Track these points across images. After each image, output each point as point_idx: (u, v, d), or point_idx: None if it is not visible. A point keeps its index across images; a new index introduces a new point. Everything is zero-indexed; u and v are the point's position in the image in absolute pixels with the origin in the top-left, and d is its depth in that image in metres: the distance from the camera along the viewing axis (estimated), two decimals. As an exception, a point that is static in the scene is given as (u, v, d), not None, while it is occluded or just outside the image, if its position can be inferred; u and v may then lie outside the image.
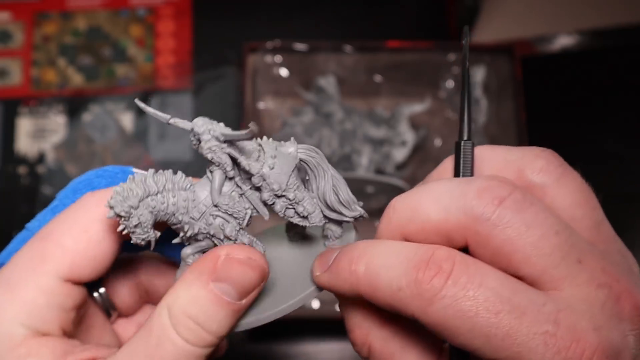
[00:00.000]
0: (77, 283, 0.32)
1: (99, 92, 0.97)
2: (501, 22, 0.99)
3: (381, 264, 0.29)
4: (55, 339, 0.31)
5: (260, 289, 0.33)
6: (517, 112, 0.88)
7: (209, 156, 0.31)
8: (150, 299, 0.40)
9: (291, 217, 0.34)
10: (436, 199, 0.29)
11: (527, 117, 0.87)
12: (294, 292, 0.35)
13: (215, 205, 0.32)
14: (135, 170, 0.35)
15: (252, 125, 0.30)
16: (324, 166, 0.34)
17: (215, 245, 0.33)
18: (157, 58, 1.00)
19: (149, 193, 0.31)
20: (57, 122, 0.95)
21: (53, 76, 0.99)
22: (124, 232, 0.30)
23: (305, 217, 0.34)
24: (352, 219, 0.35)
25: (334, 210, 0.35)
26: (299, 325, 0.88)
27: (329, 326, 0.87)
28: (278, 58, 0.90)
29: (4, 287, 0.31)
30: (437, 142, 0.91)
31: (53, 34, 1.01)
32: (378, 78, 0.92)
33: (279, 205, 0.33)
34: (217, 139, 0.31)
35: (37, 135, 0.95)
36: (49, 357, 0.30)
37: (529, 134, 0.86)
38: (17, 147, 0.94)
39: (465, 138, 0.32)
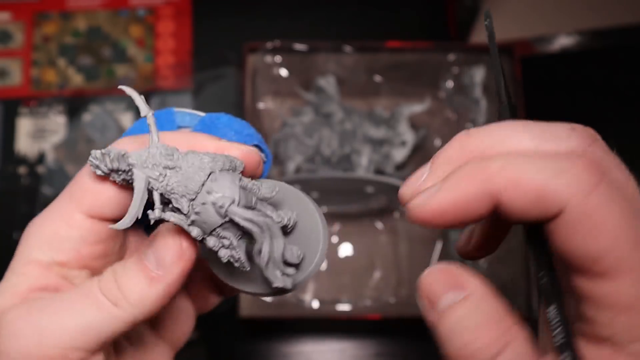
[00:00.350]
0: (101, 219, 0.32)
1: (99, 92, 0.97)
2: (501, 22, 0.99)
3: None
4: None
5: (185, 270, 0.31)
6: (516, 112, 0.88)
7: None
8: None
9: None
10: (533, 137, 0.28)
11: (526, 117, 0.87)
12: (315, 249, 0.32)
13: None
14: (176, 109, 0.36)
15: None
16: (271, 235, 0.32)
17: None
18: (157, 58, 1.00)
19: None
20: (57, 122, 0.95)
21: (53, 76, 0.99)
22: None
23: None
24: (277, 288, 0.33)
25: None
26: (298, 325, 0.88)
27: (328, 326, 0.87)
28: (278, 58, 0.90)
29: (35, 223, 0.32)
30: (437, 142, 0.91)
31: (53, 34, 1.01)
32: (378, 78, 0.92)
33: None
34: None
35: (37, 135, 0.95)
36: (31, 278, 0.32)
37: (528, 134, 0.86)
38: (17, 147, 0.94)
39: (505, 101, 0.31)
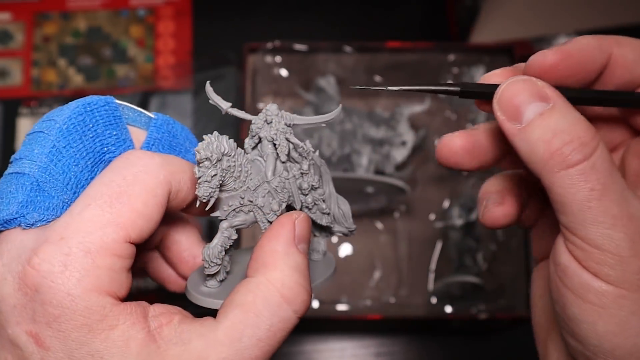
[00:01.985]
0: (134, 243, 0.32)
1: (100, 93, 0.97)
2: (501, 22, 0.99)
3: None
4: (131, 304, 0.31)
5: None
6: (516, 112, 0.88)
7: (275, 137, 0.35)
8: (161, 246, 0.42)
9: (314, 212, 0.38)
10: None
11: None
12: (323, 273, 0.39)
13: (267, 182, 0.35)
14: (119, 102, 0.36)
15: (337, 110, 0.35)
16: (331, 183, 0.38)
17: (255, 218, 0.36)
18: (157, 58, 1.00)
19: (228, 152, 0.33)
20: (57, 123, 0.95)
21: (53, 76, 0.99)
22: (199, 181, 0.32)
23: (324, 214, 0.38)
24: (348, 232, 0.39)
25: (337, 222, 0.38)
26: (298, 324, 0.88)
27: (328, 326, 0.87)
28: (278, 58, 0.90)
29: (83, 253, 0.30)
30: (437, 142, 0.91)
31: (53, 35, 1.01)
32: (378, 78, 0.92)
33: (311, 197, 0.37)
34: (287, 124, 0.35)
35: (38, 135, 0.95)
36: (135, 322, 0.30)
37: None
38: (17, 147, 0.94)
39: None
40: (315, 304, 0.84)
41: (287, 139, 0.35)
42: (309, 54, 0.90)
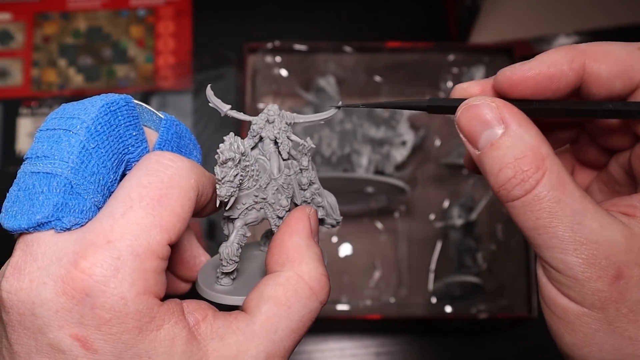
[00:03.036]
0: (171, 245, 0.33)
1: (100, 93, 0.97)
2: (500, 23, 0.99)
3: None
4: (170, 302, 0.32)
5: None
6: (516, 112, 0.88)
7: (277, 136, 0.36)
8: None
9: (310, 195, 0.39)
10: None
11: (526, 117, 0.87)
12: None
13: (274, 179, 0.37)
14: (136, 102, 0.36)
15: (334, 110, 0.37)
16: (316, 174, 0.40)
17: (265, 215, 0.37)
18: (158, 58, 1.00)
19: (244, 152, 0.34)
20: (57, 123, 0.95)
21: (54, 77, 0.99)
22: (222, 181, 0.33)
23: (319, 207, 0.39)
24: (336, 223, 0.41)
25: (326, 214, 0.40)
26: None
27: (328, 325, 0.88)
28: (278, 58, 0.90)
29: (132, 256, 0.30)
30: (437, 142, 0.91)
31: (53, 35, 1.01)
32: (378, 78, 0.92)
33: (309, 192, 0.38)
34: (288, 123, 0.37)
35: (38, 135, 0.95)
36: (178, 321, 0.31)
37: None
38: (17, 147, 0.94)
39: None
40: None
41: (288, 137, 0.36)
42: (309, 54, 0.90)
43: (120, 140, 0.34)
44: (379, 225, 0.89)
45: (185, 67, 0.98)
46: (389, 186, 0.84)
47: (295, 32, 0.95)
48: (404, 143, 0.88)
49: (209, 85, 0.37)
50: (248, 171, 0.35)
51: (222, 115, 0.37)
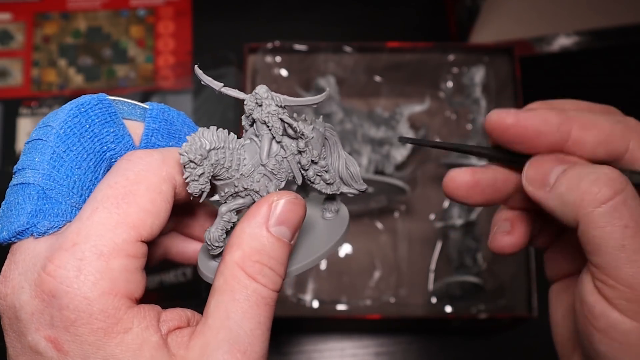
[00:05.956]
0: (145, 241, 0.33)
1: (100, 93, 0.97)
2: (500, 22, 0.99)
3: None
4: (145, 307, 0.32)
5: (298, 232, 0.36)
6: (516, 112, 0.88)
7: (266, 119, 0.35)
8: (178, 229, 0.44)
9: (318, 184, 0.38)
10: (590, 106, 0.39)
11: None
12: (320, 247, 0.39)
13: (263, 165, 0.36)
14: (112, 98, 0.36)
15: (327, 92, 0.35)
16: (339, 145, 0.39)
17: (253, 201, 0.36)
18: (158, 58, 1.00)
19: (215, 146, 0.33)
20: (57, 123, 0.96)
21: (54, 77, 0.99)
22: (186, 181, 0.33)
23: (329, 184, 0.39)
24: (358, 192, 0.40)
25: (346, 184, 0.39)
26: (298, 324, 0.88)
27: (328, 325, 0.88)
28: (278, 58, 0.90)
29: (96, 256, 0.30)
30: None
31: (53, 35, 1.01)
32: (378, 78, 0.92)
33: (312, 171, 0.38)
34: (278, 105, 0.35)
35: (38, 135, 0.95)
36: (149, 325, 0.31)
37: (528, 134, 0.86)
38: (18, 147, 0.94)
39: None
40: (315, 304, 0.85)
41: (280, 119, 0.35)
42: (309, 54, 0.90)
43: (96, 139, 0.34)
44: (379, 225, 0.89)
45: (185, 67, 0.98)
46: (389, 186, 0.84)
47: (295, 32, 0.95)
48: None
49: (196, 65, 0.36)
50: (224, 163, 0.34)
51: (216, 92, 0.37)
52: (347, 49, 0.89)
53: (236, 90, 0.37)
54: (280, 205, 0.34)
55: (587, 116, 0.36)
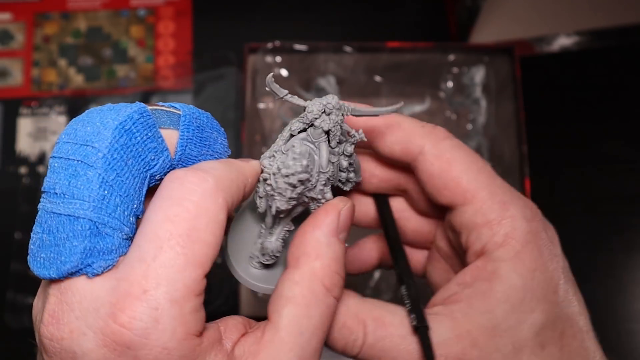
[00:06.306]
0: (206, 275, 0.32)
1: (100, 93, 0.97)
2: (501, 22, 0.99)
3: None
4: (209, 334, 0.31)
5: None
6: (516, 112, 0.88)
7: (332, 127, 0.35)
8: None
9: (345, 185, 0.40)
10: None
11: (526, 117, 0.87)
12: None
13: (324, 173, 0.36)
14: (150, 107, 0.33)
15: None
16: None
17: (310, 208, 0.37)
18: (158, 58, 1.00)
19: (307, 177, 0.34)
20: (57, 123, 0.96)
21: (54, 76, 0.99)
22: (286, 199, 0.34)
23: (350, 183, 0.41)
24: (356, 184, 0.42)
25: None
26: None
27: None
28: (278, 58, 0.90)
29: (170, 304, 0.29)
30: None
31: (54, 35, 1.01)
32: (378, 78, 0.92)
33: (346, 173, 0.39)
34: (344, 114, 0.36)
35: (38, 135, 0.95)
36: (217, 353, 0.31)
37: (528, 134, 0.86)
38: (18, 147, 0.94)
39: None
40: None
41: (340, 126, 0.36)
42: (309, 54, 0.90)
43: (140, 159, 0.32)
44: (379, 225, 0.89)
45: (186, 67, 0.98)
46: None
47: (295, 32, 0.95)
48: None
49: (271, 74, 0.35)
50: (309, 185, 0.34)
51: (280, 99, 0.36)
52: (347, 49, 0.89)
53: (296, 96, 0.36)
54: (346, 212, 0.35)
55: (396, 118, 0.41)
